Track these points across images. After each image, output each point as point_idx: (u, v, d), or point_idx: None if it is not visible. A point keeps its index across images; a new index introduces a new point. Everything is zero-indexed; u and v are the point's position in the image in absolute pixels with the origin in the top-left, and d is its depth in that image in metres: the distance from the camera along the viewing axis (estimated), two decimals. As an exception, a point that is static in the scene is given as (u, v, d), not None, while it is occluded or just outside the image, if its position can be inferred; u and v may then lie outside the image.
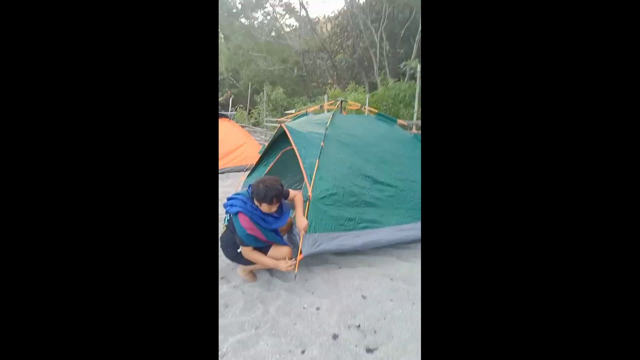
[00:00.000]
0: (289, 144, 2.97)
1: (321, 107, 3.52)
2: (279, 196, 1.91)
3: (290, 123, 2.86)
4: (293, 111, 14.17)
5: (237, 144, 5.81)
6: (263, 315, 1.80)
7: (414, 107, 9.37)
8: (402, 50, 15.37)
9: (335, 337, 1.63)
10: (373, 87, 14.12)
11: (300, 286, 2.09)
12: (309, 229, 2.17)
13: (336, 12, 16.98)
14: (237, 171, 5.76)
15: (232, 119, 10.78)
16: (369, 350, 1.55)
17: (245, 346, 1.56)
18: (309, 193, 2.28)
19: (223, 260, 2.39)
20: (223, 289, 2.06)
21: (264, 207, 1.92)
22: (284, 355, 1.50)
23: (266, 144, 3.25)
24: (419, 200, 2.57)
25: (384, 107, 9.55)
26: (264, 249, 2.04)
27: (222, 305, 1.89)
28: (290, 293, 2.01)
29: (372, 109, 3.28)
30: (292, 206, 2.17)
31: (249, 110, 15.18)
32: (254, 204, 1.96)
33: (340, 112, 3.02)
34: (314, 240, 2.18)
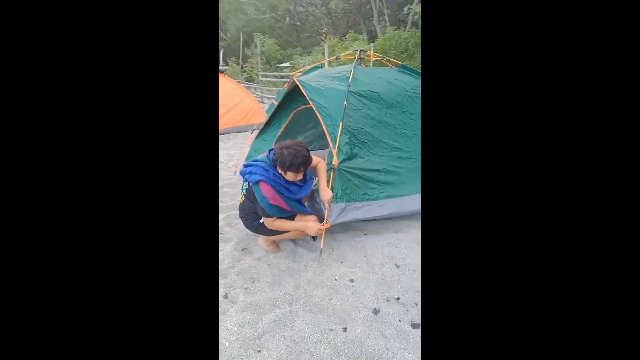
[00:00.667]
0: (302, 102, 2.68)
1: (338, 57, 3.14)
2: (306, 163, 1.70)
3: (303, 77, 2.54)
4: (287, 64, 13.32)
5: (236, 102, 5.43)
6: (295, 289, 1.68)
7: (419, 60, 8.83)
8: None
9: (375, 311, 1.53)
10: (372, 35, 13.24)
11: (328, 256, 1.97)
12: (335, 198, 2.00)
13: (330, -50, 15.32)
14: (239, 132, 5.45)
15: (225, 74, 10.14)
16: (414, 326, 1.45)
17: (282, 325, 1.45)
18: (335, 159, 2.07)
19: (242, 230, 2.24)
20: (247, 261, 1.93)
21: (289, 176, 1.72)
22: (325, 334, 1.40)
23: (274, 102, 2.94)
24: None
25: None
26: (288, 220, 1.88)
27: (248, 280, 1.76)
28: (319, 264, 1.89)
29: (395, 61, 2.94)
30: (314, 173, 1.98)
31: (242, 65, 14.24)
32: (277, 171, 1.75)
33: (359, 65, 2.69)
34: (341, 209, 2.03)
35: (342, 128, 2.13)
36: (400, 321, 1.48)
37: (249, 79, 13.79)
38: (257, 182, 1.74)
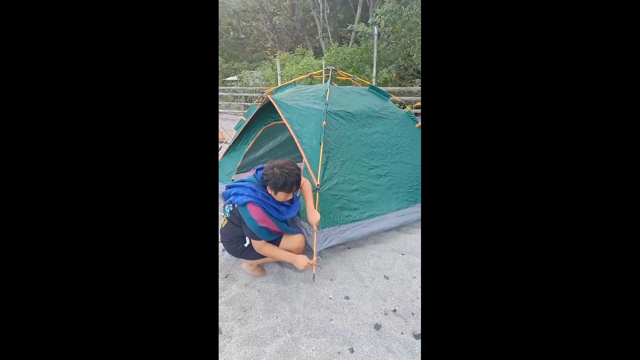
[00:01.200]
0: (274, 118, 2.64)
1: (311, 76, 3.15)
2: (299, 183, 1.66)
3: (277, 95, 2.50)
4: (235, 78, 13.03)
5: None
6: (292, 314, 1.61)
7: (365, 73, 9.28)
8: (341, 14, 14.95)
9: (377, 327, 1.53)
10: (317, 51, 13.63)
11: (317, 274, 1.93)
12: (320, 225, 1.97)
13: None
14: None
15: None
16: (416, 336, 1.48)
17: (287, 355, 1.37)
18: (316, 182, 2.05)
19: (221, 254, 2.10)
20: (233, 289, 1.80)
21: (280, 196, 1.66)
22: (334, 357, 1.36)
23: (243, 118, 2.84)
24: (414, 184, 2.50)
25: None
26: (275, 242, 1.81)
27: (240, 310, 1.64)
28: (310, 284, 1.84)
29: (364, 81, 3.04)
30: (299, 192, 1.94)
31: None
32: (266, 191, 1.69)
33: (331, 84, 2.73)
34: (324, 236, 2.01)
35: (322, 149, 2.13)
36: (402, 333, 1.49)
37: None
38: (244, 204, 1.65)
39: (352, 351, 1.39)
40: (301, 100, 2.39)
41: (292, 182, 1.60)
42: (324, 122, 2.21)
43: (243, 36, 15.14)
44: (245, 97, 10.98)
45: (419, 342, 1.44)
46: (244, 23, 14.57)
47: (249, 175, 1.78)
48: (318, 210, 1.98)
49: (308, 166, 2.10)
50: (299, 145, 2.16)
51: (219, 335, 1.49)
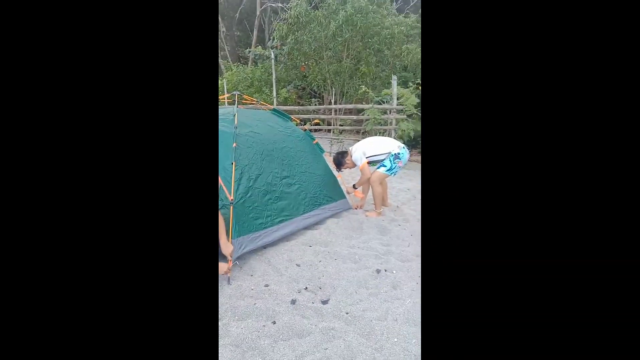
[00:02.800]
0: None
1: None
2: None
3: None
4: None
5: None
6: (221, 305, 1.83)
7: (265, 93, 9.74)
8: (238, 33, 15.26)
9: (293, 302, 1.88)
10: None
11: (239, 271, 2.18)
12: (233, 234, 2.23)
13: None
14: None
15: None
16: (324, 302, 1.89)
17: (219, 337, 1.61)
18: (230, 197, 2.31)
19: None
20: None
21: None
22: (260, 330, 1.65)
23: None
24: (317, 190, 3.02)
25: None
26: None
27: (169, 313, 1.79)
28: (234, 282, 2.08)
29: (267, 104, 3.42)
30: None
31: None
32: None
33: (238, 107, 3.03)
34: (239, 244, 2.28)
35: (235, 167, 2.41)
36: (313, 303, 1.88)
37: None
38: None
39: (274, 323, 1.71)
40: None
41: None
42: (235, 144, 2.50)
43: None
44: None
45: (325, 306, 1.85)
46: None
47: None
48: (232, 223, 2.24)
49: (222, 185, 2.35)
50: None
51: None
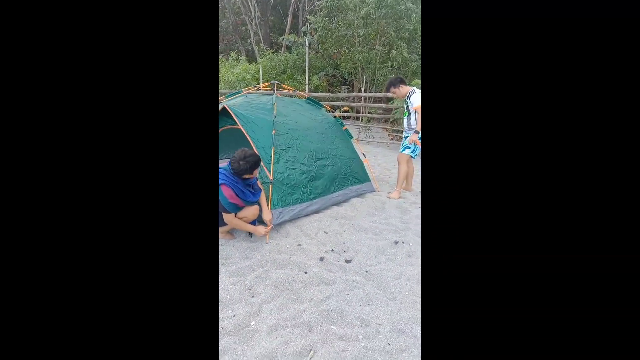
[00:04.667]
0: (228, 122, 3.22)
1: (258, 88, 3.77)
2: (257, 163, 2.32)
3: (230, 104, 3.06)
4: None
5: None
6: (261, 258, 2.23)
7: (297, 79, 10.06)
8: (272, 18, 15.52)
9: (321, 259, 2.25)
10: (249, 55, 13.99)
11: (276, 234, 2.57)
12: (273, 206, 2.62)
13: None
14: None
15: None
16: (347, 261, 2.24)
17: (262, 279, 2.00)
18: (270, 176, 2.70)
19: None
20: (212, 248, 2.35)
21: (248, 176, 2.30)
22: (294, 275, 2.03)
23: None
24: (346, 172, 3.35)
25: (271, 79, 9.93)
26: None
27: (222, 258, 2.21)
28: (271, 240, 2.47)
29: (302, 93, 3.77)
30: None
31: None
32: (235, 177, 2.30)
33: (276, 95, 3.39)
34: (279, 213, 2.67)
35: (274, 151, 2.78)
36: (338, 261, 2.23)
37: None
38: (219, 185, 2.23)
39: (306, 273, 2.08)
40: (252, 111, 3.01)
41: (251, 167, 2.25)
42: (274, 131, 2.87)
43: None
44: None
45: (349, 264, 2.20)
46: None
47: (225, 164, 2.36)
48: (271, 199, 2.62)
49: (263, 165, 2.72)
50: (254, 149, 2.77)
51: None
